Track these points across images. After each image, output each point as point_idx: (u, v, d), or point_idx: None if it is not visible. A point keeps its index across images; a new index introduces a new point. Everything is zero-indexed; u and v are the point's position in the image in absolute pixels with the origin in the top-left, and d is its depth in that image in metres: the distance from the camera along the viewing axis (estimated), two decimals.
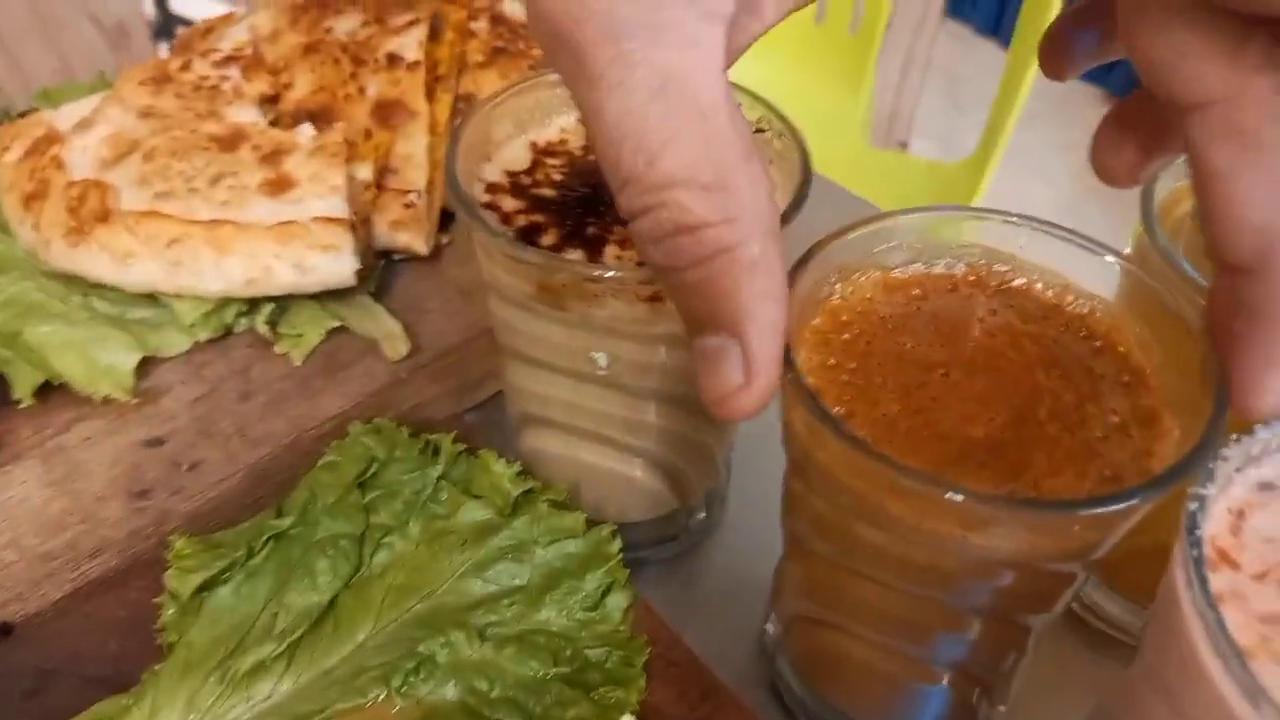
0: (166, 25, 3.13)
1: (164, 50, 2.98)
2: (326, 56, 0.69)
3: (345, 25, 0.72)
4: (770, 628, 0.50)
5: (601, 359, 0.44)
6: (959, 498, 0.30)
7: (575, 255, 0.45)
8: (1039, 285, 0.41)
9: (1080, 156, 0.35)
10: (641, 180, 0.29)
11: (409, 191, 0.64)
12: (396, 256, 0.66)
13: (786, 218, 0.42)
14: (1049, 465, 0.34)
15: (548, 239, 0.45)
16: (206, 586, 0.47)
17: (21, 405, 0.55)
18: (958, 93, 3.04)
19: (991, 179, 1.61)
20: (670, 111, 0.28)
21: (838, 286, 0.40)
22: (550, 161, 0.50)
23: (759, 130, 0.49)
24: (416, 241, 0.64)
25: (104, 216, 0.58)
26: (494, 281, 0.46)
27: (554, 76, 0.49)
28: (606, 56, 0.28)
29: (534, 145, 0.50)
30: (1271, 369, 0.30)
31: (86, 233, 0.58)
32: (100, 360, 0.56)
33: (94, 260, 0.58)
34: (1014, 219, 0.41)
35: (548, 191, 0.48)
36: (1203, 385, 0.34)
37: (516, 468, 0.51)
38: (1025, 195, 2.40)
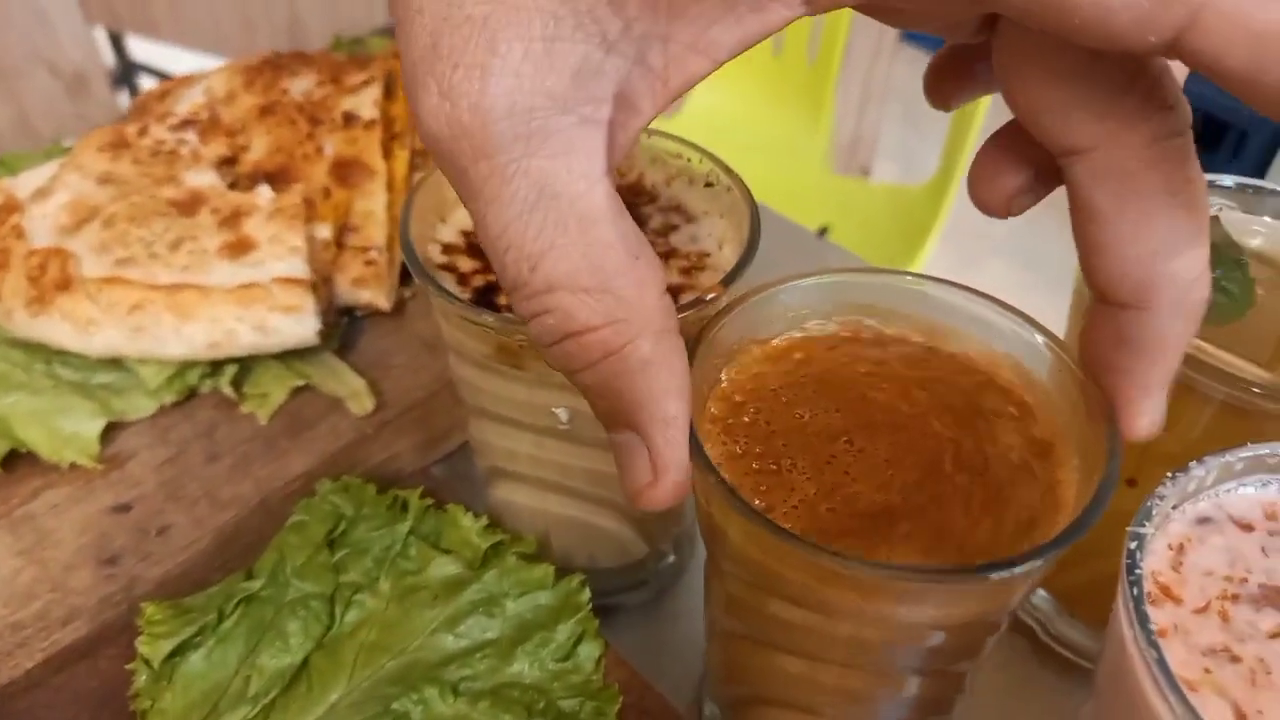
0: (126, 73, 3.12)
1: (124, 98, 2.97)
2: (283, 117, 0.70)
3: (300, 85, 0.73)
4: (707, 710, 0.51)
5: (563, 414, 0.45)
6: (915, 581, 0.31)
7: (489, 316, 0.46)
8: (911, 331, 0.42)
9: None
10: (526, 286, 0.30)
11: (369, 248, 0.65)
12: (359, 313, 0.67)
13: (739, 269, 0.44)
14: (968, 520, 0.35)
15: (505, 298, 0.46)
16: (178, 652, 0.47)
17: None
18: (915, 115, 3.09)
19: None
20: (547, 220, 0.29)
21: (724, 370, 0.40)
22: None
23: (708, 185, 0.50)
24: (379, 298, 0.65)
25: (65, 284, 0.58)
26: (453, 342, 0.47)
27: None
28: (484, 172, 0.29)
29: None
30: (1149, 397, 0.32)
31: (48, 301, 0.58)
32: (65, 429, 0.56)
33: (56, 329, 0.58)
34: (878, 275, 0.41)
35: None
36: (1088, 417, 0.35)
37: (484, 521, 0.52)
38: (984, 215, 2.44)
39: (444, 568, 0.51)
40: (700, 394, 0.38)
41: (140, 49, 3.08)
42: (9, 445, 0.55)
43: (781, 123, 1.93)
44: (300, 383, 0.61)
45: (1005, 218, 0.34)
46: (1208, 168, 0.32)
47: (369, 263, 0.65)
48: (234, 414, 0.60)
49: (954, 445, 0.37)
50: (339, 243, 0.65)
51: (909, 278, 0.41)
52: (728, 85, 1.84)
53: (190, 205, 0.63)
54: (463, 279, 0.47)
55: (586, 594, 0.50)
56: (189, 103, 0.72)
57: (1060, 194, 0.34)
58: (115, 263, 0.60)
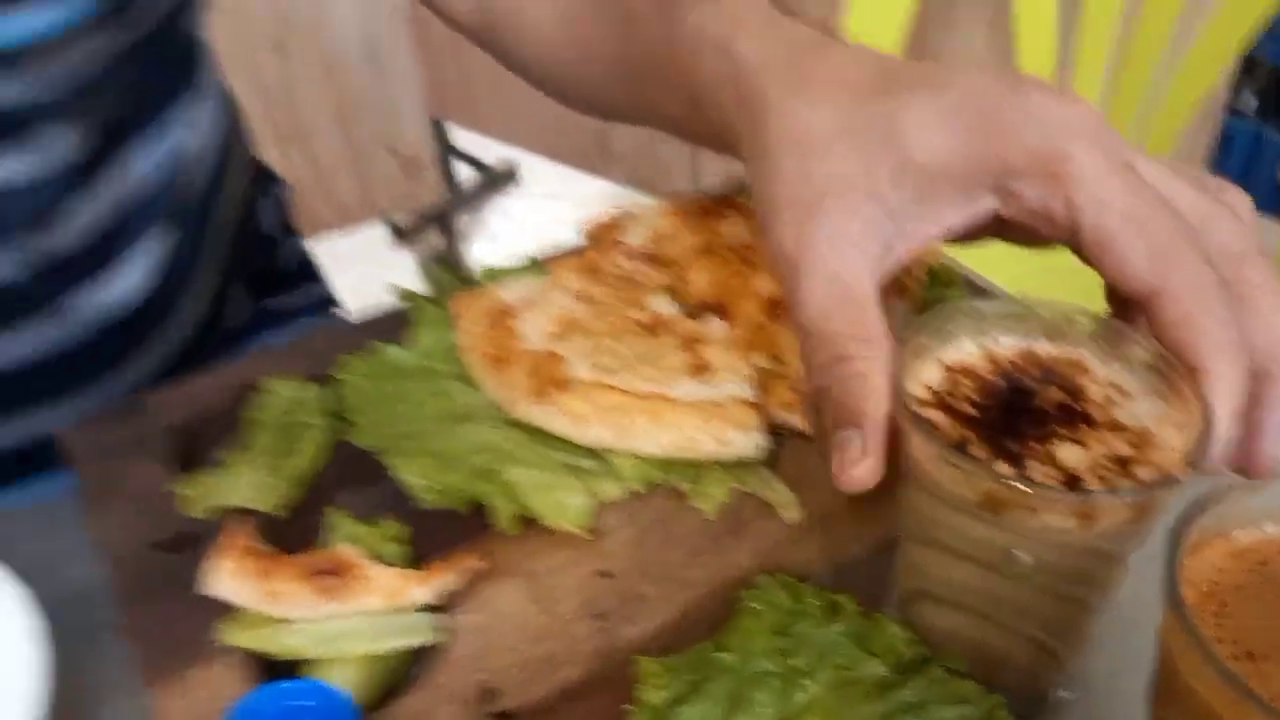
0: (445, 157, 3.49)
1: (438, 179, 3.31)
2: (719, 258, 0.83)
3: (730, 229, 0.86)
4: None
5: (1024, 558, 0.54)
6: None
7: (1002, 470, 0.55)
8: None
9: None
10: (821, 331, 0.54)
11: (793, 378, 0.76)
12: (781, 431, 0.78)
13: (1200, 452, 0.50)
14: None
15: (976, 453, 0.56)
16: (670, 703, 0.58)
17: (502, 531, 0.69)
18: None
19: None
20: (838, 294, 0.54)
21: (1187, 562, 0.43)
22: (962, 380, 0.60)
23: (1149, 368, 0.58)
24: (804, 422, 0.76)
25: (563, 384, 0.72)
26: (927, 483, 0.56)
27: (955, 306, 0.60)
28: (808, 261, 0.55)
29: (942, 363, 0.61)
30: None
31: (548, 395, 0.72)
32: (563, 501, 0.69)
33: (555, 419, 0.72)
34: None
35: (965, 408, 0.59)
36: None
37: (910, 634, 0.61)
38: None
39: (874, 668, 0.60)
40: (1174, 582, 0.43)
41: (459, 137, 3.42)
42: (518, 510, 0.69)
43: None
44: (739, 486, 0.72)
45: None
46: None
47: (794, 389, 0.76)
48: (684, 506, 0.71)
49: None
50: (771, 371, 0.76)
51: None
52: None
53: (654, 328, 0.76)
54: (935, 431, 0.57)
55: (1008, 716, 0.57)
56: (637, 236, 0.87)
57: None
58: (600, 369, 0.73)
